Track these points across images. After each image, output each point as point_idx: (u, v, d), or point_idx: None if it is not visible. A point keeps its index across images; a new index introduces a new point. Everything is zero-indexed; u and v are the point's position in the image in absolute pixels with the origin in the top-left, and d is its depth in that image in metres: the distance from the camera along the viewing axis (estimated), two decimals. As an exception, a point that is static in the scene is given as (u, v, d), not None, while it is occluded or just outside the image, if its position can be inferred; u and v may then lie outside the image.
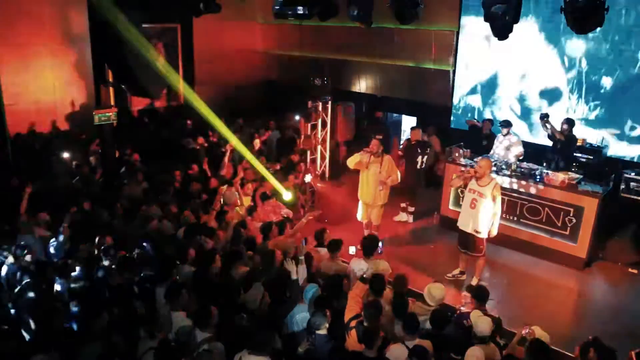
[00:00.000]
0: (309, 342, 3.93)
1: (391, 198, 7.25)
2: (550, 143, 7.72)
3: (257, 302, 4.46)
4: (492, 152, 7.90)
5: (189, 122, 10.43)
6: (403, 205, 8.31)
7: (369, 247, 5.24)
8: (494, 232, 6.08)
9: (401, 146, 8.57)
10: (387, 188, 6.88)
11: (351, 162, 6.94)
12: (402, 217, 8.33)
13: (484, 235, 6.04)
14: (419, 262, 6.85)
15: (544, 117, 7.46)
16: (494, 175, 6.68)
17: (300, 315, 4.34)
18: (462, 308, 4.73)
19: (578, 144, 7.63)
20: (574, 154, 7.56)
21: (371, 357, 3.70)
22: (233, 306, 4.32)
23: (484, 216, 5.97)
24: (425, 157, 8.06)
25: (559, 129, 7.40)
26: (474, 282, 6.22)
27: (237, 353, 3.68)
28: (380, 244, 5.35)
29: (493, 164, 7.37)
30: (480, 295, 4.54)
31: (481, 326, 4.01)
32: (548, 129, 7.50)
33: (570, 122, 7.40)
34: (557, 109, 8.06)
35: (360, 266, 5.14)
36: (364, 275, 4.59)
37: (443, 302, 4.62)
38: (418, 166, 8.00)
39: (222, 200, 6.93)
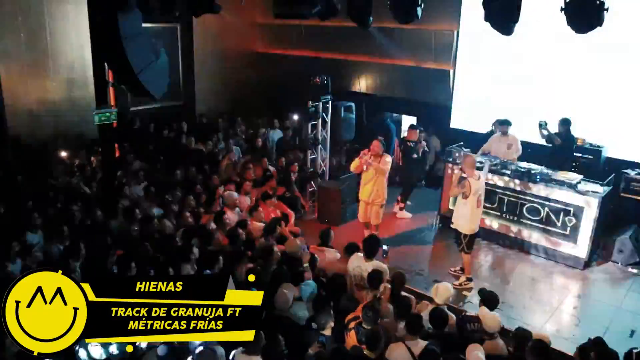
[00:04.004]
0: (319, 345, 3.92)
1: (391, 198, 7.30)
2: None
3: (288, 303, 4.37)
4: (486, 150, 7.88)
5: (183, 122, 10.43)
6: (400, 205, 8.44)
7: (370, 248, 5.24)
8: (476, 228, 6.18)
9: (401, 147, 8.65)
10: (381, 185, 6.85)
11: (354, 167, 7.01)
12: (405, 214, 8.41)
13: (460, 229, 6.16)
14: (419, 262, 6.85)
15: (543, 125, 7.45)
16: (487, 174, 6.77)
17: (301, 314, 4.35)
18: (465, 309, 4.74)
19: (578, 143, 7.64)
20: (574, 154, 7.56)
21: (372, 358, 3.71)
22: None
23: (458, 209, 6.11)
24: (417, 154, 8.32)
25: (557, 130, 7.39)
26: (462, 279, 6.31)
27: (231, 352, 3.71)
28: (385, 247, 5.35)
29: (494, 163, 7.40)
30: (489, 301, 4.54)
31: (490, 323, 4.09)
32: (545, 136, 7.49)
33: (566, 123, 7.40)
34: (558, 109, 8.04)
35: (358, 264, 5.15)
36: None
37: (448, 303, 4.67)
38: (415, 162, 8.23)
39: (221, 201, 6.93)
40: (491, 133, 8.46)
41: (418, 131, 8.48)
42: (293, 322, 4.24)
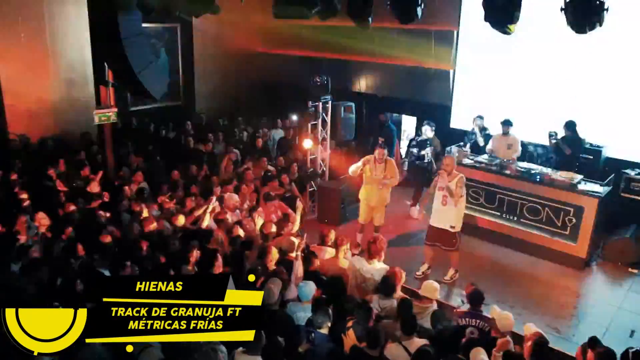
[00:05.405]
0: (310, 342, 3.93)
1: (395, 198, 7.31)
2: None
3: (275, 296, 4.40)
4: (491, 151, 7.89)
5: (188, 122, 10.44)
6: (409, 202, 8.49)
7: (373, 250, 5.22)
8: (459, 227, 6.26)
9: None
10: (387, 188, 6.90)
11: (353, 171, 6.96)
12: (416, 212, 8.44)
13: (457, 229, 6.20)
14: (419, 263, 6.83)
15: (553, 135, 7.43)
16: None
17: (299, 315, 4.35)
18: (460, 308, 4.76)
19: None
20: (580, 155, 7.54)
21: (373, 356, 3.72)
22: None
23: (455, 211, 6.14)
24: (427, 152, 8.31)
25: (563, 133, 7.38)
26: (450, 274, 6.40)
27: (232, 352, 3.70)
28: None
29: (494, 163, 7.41)
30: (474, 299, 4.56)
31: (504, 322, 4.15)
32: (554, 145, 7.46)
33: (571, 126, 7.36)
34: (558, 109, 8.04)
35: (360, 265, 5.15)
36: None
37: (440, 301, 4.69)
38: (425, 160, 8.29)
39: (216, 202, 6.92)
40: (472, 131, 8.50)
41: (432, 128, 8.44)
42: (287, 319, 4.24)
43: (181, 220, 6.08)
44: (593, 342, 3.80)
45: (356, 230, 7.27)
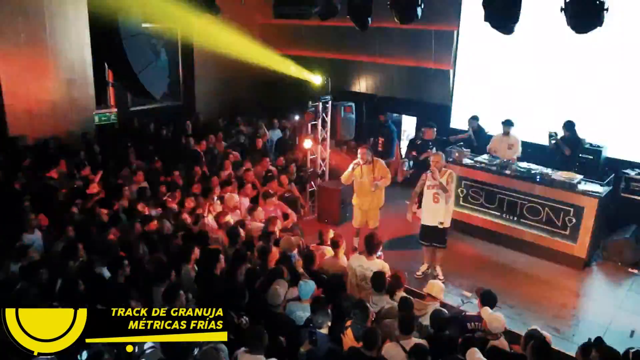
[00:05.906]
0: (312, 343, 3.92)
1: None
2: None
3: (280, 297, 4.39)
4: (492, 151, 7.89)
5: (188, 122, 10.44)
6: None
7: (371, 245, 5.24)
8: (448, 223, 6.30)
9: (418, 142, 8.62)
10: (379, 190, 6.82)
11: (346, 178, 6.91)
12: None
13: (447, 225, 6.25)
14: (418, 263, 6.83)
15: (553, 135, 7.42)
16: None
17: (298, 314, 4.35)
18: (464, 309, 4.75)
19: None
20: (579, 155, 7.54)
21: (370, 356, 3.71)
22: (238, 306, 4.29)
23: (445, 208, 6.17)
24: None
25: (562, 133, 7.39)
26: (440, 272, 6.42)
27: (234, 351, 3.69)
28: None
29: (494, 163, 7.41)
30: (487, 302, 4.54)
31: (495, 324, 4.11)
32: (553, 145, 7.45)
33: (571, 126, 7.36)
34: (558, 109, 8.05)
35: (359, 263, 5.16)
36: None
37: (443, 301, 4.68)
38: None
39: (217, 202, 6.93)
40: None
41: (434, 130, 8.42)
42: (288, 320, 4.24)
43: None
44: (597, 342, 3.79)
45: (352, 235, 7.18)
